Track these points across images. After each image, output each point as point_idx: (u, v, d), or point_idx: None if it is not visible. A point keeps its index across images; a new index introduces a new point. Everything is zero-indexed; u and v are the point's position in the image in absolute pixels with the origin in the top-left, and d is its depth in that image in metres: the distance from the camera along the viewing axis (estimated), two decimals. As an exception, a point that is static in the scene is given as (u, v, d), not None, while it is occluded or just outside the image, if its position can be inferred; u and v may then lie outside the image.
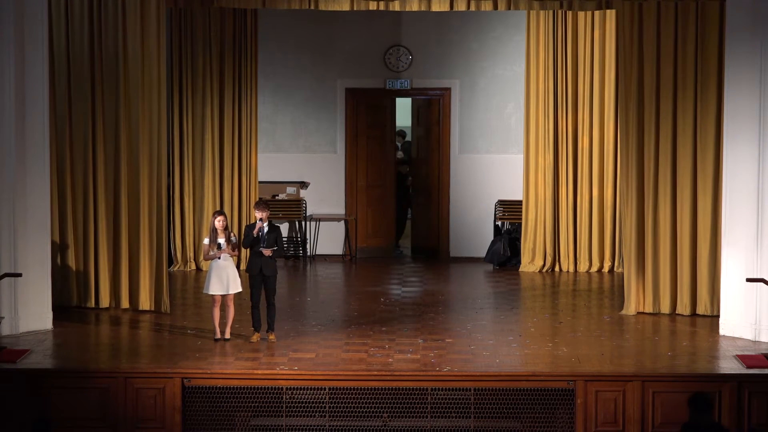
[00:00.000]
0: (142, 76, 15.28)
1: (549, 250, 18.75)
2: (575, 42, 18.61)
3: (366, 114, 19.82)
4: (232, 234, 13.83)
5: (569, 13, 18.44)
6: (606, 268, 18.67)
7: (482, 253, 19.42)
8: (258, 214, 13.69)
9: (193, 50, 18.62)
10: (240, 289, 13.88)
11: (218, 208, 17.98)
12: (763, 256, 13.84)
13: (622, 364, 12.84)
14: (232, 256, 13.84)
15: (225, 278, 13.74)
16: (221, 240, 13.70)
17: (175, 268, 18.62)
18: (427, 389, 12.39)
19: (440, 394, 12.39)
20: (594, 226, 18.69)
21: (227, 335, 13.81)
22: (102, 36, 15.35)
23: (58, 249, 15.42)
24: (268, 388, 12.34)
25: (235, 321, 14.07)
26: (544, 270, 18.68)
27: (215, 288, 13.73)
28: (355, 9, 15.09)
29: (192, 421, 12.35)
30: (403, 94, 19.86)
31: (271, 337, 13.80)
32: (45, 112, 14.33)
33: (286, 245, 19.57)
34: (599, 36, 18.50)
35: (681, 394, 12.21)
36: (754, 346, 13.60)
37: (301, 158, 19.72)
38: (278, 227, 14.02)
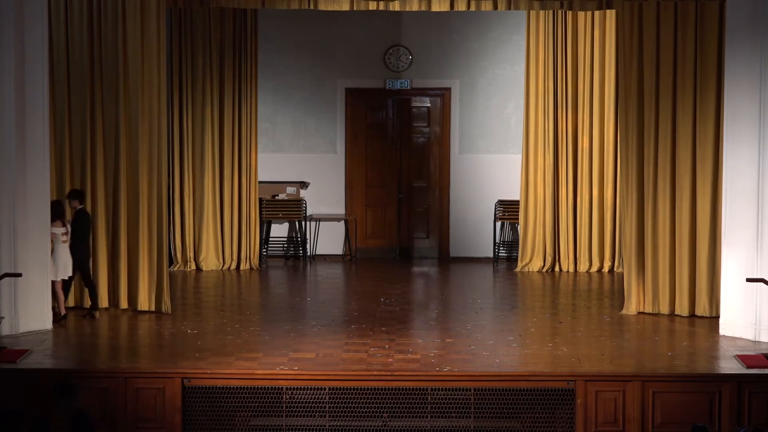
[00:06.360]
0: (141, 76, 15.28)
1: (549, 250, 18.74)
2: (575, 42, 18.61)
3: (366, 114, 19.81)
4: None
5: (569, 13, 18.43)
6: (606, 268, 18.67)
7: (482, 253, 19.43)
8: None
9: (193, 50, 18.62)
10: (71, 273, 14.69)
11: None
12: (763, 256, 13.84)
13: (622, 364, 12.83)
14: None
15: (68, 263, 14.52)
16: (68, 227, 14.57)
17: (175, 268, 18.61)
18: (427, 389, 12.38)
19: (440, 394, 12.38)
20: (594, 226, 18.68)
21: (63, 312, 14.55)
22: (102, 36, 15.34)
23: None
24: (268, 388, 12.33)
25: (235, 321, 14.18)
26: (544, 270, 18.68)
27: (62, 272, 14.45)
28: (355, 9, 15.09)
29: (192, 421, 12.34)
30: (403, 94, 19.85)
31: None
32: (45, 113, 14.32)
33: (285, 245, 19.64)
34: (599, 36, 18.50)
35: (681, 394, 12.22)
36: (754, 346, 13.59)
37: (301, 158, 19.71)
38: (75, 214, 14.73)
